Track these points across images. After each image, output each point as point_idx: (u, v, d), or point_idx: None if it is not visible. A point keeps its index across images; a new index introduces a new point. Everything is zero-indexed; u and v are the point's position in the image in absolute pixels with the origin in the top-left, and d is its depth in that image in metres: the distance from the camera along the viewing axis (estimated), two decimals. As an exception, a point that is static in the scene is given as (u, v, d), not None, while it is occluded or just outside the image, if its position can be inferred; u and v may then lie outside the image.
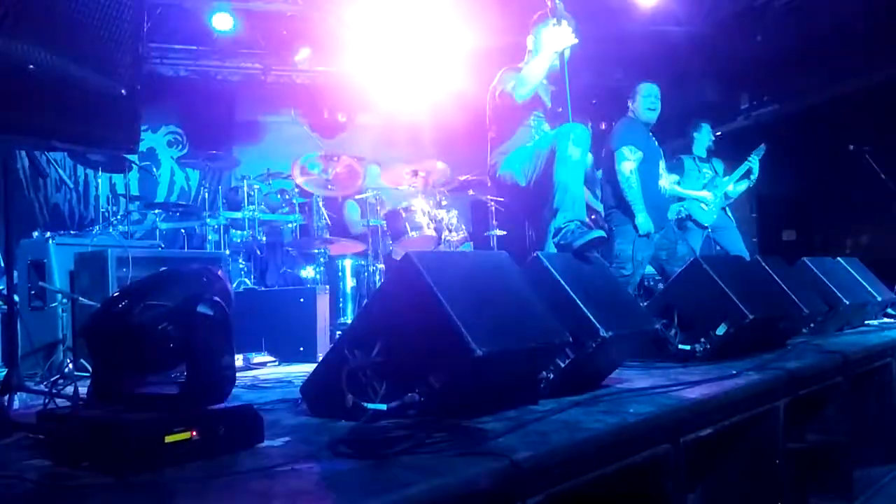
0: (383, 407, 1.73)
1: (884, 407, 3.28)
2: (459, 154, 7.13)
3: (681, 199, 5.67)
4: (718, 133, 8.06)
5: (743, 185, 5.84)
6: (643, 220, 4.32)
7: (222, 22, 7.07)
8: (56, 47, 1.97)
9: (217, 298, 1.60)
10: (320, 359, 2.13)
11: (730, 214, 5.91)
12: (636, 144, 4.43)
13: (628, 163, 4.39)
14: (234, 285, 5.04)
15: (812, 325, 3.78)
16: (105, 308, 1.73)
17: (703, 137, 5.91)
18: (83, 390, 1.90)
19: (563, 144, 3.14)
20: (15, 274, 2.61)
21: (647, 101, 4.61)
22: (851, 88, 6.90)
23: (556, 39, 3.40)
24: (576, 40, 3.39)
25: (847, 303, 3.94)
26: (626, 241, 4.34)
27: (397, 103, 7.74)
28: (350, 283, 5.08)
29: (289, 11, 7.19)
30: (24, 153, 5.08)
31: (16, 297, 2.54)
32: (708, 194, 5.68)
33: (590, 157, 3.63)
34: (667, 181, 4.74)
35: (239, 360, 3.49)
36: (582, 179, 3.20)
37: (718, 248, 5.74)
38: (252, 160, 7.24)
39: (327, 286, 4.40)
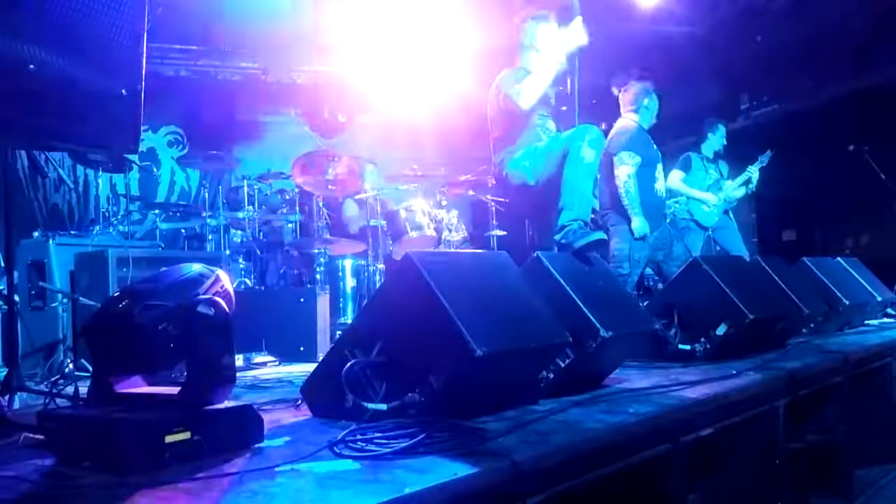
0: (383, 407, 1.73)
1: (884, 407, 3.28)
2: (459, 154, 7.13)
3: (675, 196, 5.69)
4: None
5: (741, 192, 5.88)
6: (640, 223, 4.35)
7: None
8: (56, 47, 1.97)
9: (217, 298, 1.60)
10: (320, 359, 2.13)
11: (731, 216, 5.93)
12: (635, 150, 4.47)
13: (626, 167, 4.42)
14: (234, 285, 5.03)
15: (812, 325, 3.78)
16: (105, 308, 1.73)
17: (716, 139, 5.92)
18: (83, 390, 1.90)
19: (576, 145, 3.14)
20: (15, 274, 2.61)
21: (649, 105, 4.68)
22: (851, 88, 6.89)
23: (567, 40, 3.35)
24: (586, 40, 3.33)
25: (847, 303, 3.94)
26: (624, 241, 4.37)
27: (397, 103, 7.73)
28: (350, 283, 5.07)
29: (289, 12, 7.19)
30: (24, 153, 5.08)
31: (16, 297, 2.54)
32: (711, 196, 5.69)
33: None
34: (663, 183, 4.75)
35: (239, 360, 3.49)
36: (591, 181, 3.20)
37: (718, 248, 5.75)
38: (252, 160, 7.25)
39: (327, 286, 4.40)
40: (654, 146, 4.69)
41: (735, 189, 5.84)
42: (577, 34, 3.34)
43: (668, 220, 5.33)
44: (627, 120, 4.72)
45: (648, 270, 5.25)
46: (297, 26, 7.27)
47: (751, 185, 5.87)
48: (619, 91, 4.86)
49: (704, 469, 2.34)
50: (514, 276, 2.19)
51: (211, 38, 7.30)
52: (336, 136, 8.45)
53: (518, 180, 3.46)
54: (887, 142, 5.87)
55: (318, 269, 5.31)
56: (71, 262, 3.53)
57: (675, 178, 5.71)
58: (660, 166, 4.70)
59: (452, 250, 5.51)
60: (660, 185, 4.68)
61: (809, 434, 2.87)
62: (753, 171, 5.86)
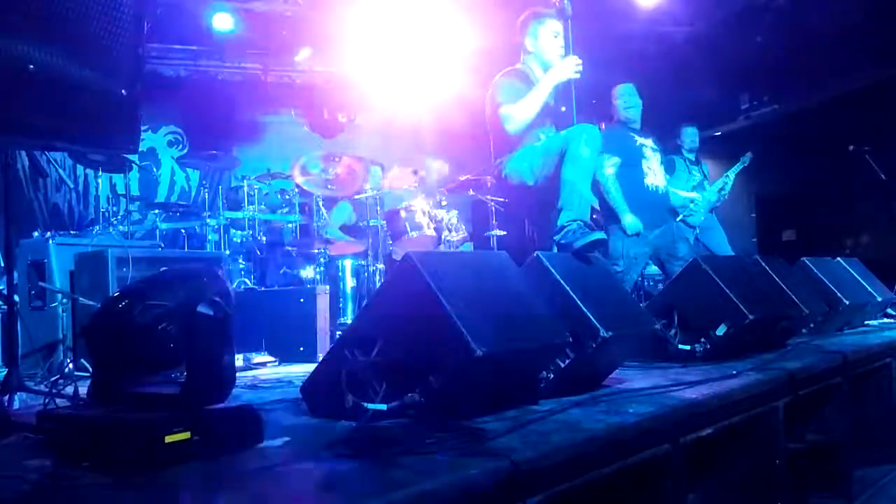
0: (383, 407, 1.73)
1: (884, 407, 3.28)
2: (459, 154, 7.13)
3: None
4: (718, 133, 8.08)
5: (715, 197, 5.89)
6: (630, 220, 4.35)
7: (222, 22, 7.06)
8: (56, 47, 1.97)
9: (217, 298, 1.60)
10: (320, 359, 2.13)
11: (714, 216, 5.95)
12: (611, 151, 4.46)
13: (604, 170, 4.43)
14: (234, 285, 5.04)
15: (812, 325, 3.78)
16: (105, 308, 1.73)
17: (689, 141, 5.97)
18: (83, 390, 1.90)
19: (574, 144, 3.15)
20: (15, 274, 2.61)
21: (622, 102, 4.72)
22: (851, 88, 6.89)
23: (560, 71, 3.39)
24: (578, 74, 3.37)
25: (847, 303, 3.94)
26: (617, 238, 4.38)
27: (397, 103, 7.73)
28: (350, 283, 5.07)
29: (288, 11, 7.19)
30: (24, 153, 5.08)
31: (16, 297, 2.54)
32: (695, 195, 5.71)
33: None
34: (659, 178, 4.72)
35: (239, 360, 3.49)
36: (590, 180, 3.20)
37: (704, 248, 5.76)
38: (252, 160, 7.24)
39: (327, 286, 4.39)
40: (638, 143, 4.65)
41: (712, 193, 5.87)
42: (569, 68, 3.37)
43: (679, 218, 5.33)
44: (612, 122, 4.76)
45: (651, 270, 5.24)
46: (297, 26, 7.27)
47: (723, 193, 5.90)
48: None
49: (704, 469, 2.34)
50: (514, 276, 2.19)
51: (211, 37, 7.28)
52: (336, 136, 8.46)
53: (517, 180, 3.47)
54: (887, 142, 5.87)
55: (318, 269, 5.31)
56: (71, 262, 3.52)
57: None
58: (652, 163, 4.66)
59: (452, 250, 5.51)
60: (652, 181, 4.63)
61: (809, 434, 2.87)
62: (729, 177, 5.89)
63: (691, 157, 5.97)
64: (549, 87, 3.40)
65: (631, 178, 4.53)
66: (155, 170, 7.83)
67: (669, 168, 5.82)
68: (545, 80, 3.42)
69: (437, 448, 1.49)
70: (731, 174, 5.91)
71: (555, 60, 3.56)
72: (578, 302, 2.23)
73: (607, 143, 4.49)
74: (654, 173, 4.67)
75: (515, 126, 3.41)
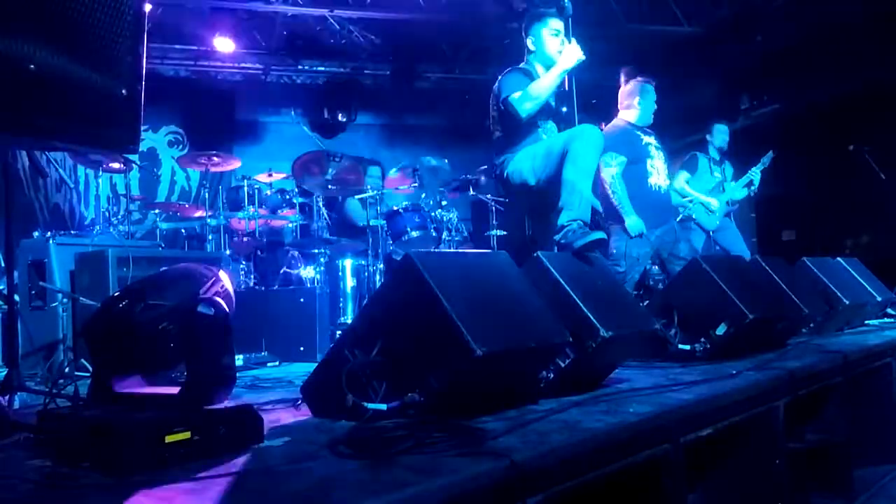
0: (383, 407, 1.74)
1: (884, 407, 3.28)
2: (460, 154, 7.14)
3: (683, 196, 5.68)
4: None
5: (743, 193, 5.87)
6: (633, 221, 4.34)
7: (224, 45, 7.07)
8: (57, 47, 1.97)
9: (217, 298, 1.60)
10: (320, 359, 2.13)
11: (731, 217, 5.92)
12: (618, 150, 4.44)
13: (610, 169, 4.42)
14: (234, 285, 5.03)
15: (812, 325, 3.78)
16: (105, 308, 1.73)
17: (719, 138, 5.92)
18: (83, 390, 1.90)
19: (575, 144, 3.15)
20: (15, 274, 2.61)
21: (641, 99, 4.68)
22: (851, 88, 6.89)
23: (567, 57, 3.41)
24: (583, 56, 3.40)
25: (847, 303, 3.94)
26: (620, 239, 4.37)
27: (397, 103, 7.74)
28: (350, 283, 5.07)
29: (290, 11, 7.19)
30: (24, 153, 5.08)
31: (16, 297, 2.54)
32: (714, 201, 5.68)
33: None
34: (662, 177, 4.68)
35: (239, 360, 3.49)
36: (591, 180, 3.20)
37: (718, 248, 5.75)
38: (252, 160, 7.25)
39: (327, 286, 4.40)
40: (644, 142, 4.63)
41: (737, 190, 5.84)
42: (575, 52, 3.40)
43: (678, 219, 5.31)
44: (617, 119, 4.73)
45: (655, 269, 5.23)
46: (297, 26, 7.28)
47: (753, 187, 5.87)
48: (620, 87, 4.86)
49: (704, 469, 2.34)
50: (514, 276, 2.19)
51: (211, 38, 7.29)
52: (336, 136, 8.46)
53: (519, 180, 3.47)
54: (887, 142, 5.87)
55: (317, 269, 5.31)
56: (71, 261, 3.53)
57: (681, 179, 5.71)
58: (656, 161, 4.64)
59: (452, 250, 5.51)
60: (655, 180, 4.60)
61: (809, 434, 2.87)
62: (755, 173, 5.87)
63: (716, 156, 5.93)
64: (561, 71, 3.41)
65: (635, 178, 4.50)
66: (155, 170, 7.83)
67: (692, 165, 5.79)
68: (556, 66, 3.43)
69: (437, 448, 1.49)
70: (757, 171, 5.87)
71: (556, 58, 3.56)
72: (578, 302, 2.23)
73: (613, 141, 4.47)
74: (658, 172, 4.64)
75: (530, 106, 3.40)
